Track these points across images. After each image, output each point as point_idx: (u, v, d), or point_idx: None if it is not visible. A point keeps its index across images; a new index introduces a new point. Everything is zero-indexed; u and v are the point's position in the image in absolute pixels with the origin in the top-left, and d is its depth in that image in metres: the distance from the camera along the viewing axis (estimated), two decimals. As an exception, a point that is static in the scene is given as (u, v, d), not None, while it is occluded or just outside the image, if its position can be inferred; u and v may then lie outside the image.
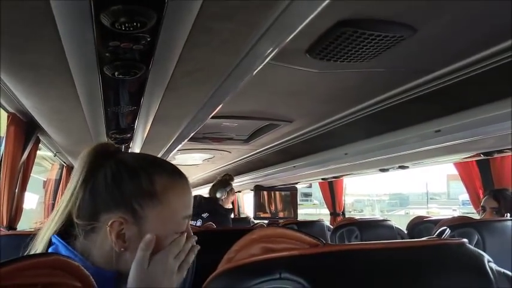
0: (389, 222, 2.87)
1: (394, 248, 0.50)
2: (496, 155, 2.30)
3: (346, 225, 2.77)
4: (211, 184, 3.44)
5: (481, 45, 1.57)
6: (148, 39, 1.16)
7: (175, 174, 0.90)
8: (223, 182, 3.39)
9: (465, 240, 0.55)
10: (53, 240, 0.87)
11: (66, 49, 1.29)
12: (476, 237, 1.66)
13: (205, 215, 3.02)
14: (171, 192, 0.86)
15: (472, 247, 0.54)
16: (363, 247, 0.48)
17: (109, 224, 0.81)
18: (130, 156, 0.92)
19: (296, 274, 0.45)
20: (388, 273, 0.48)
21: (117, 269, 0.83)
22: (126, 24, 1.01)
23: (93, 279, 0.46)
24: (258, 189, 5.25)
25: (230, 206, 3.66)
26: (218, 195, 3.29)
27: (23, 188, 2.66)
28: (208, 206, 3.11)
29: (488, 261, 0.54)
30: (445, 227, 1.69)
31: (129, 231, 0.82)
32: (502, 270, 0.54)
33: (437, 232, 1.76)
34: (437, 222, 2.34)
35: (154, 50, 1.26)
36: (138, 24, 1.03)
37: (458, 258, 0.52)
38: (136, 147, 3.02)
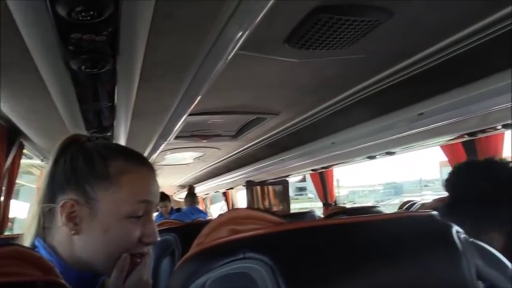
0: (378, 208, 2.88)
1: (360, 222, 0.49)
2: (479, 135, 2.31)
3: (337, 214, 2.78)
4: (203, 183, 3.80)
5: (458, 26, 1.57)
6: (110, 30, 1.15)
7: (134, 158, 0.89)
8: None
9: (434, 212, 0.55)
10: (36, 243, 0.86)
11: (29, 44, 1.27)
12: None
13: None
14: (125, 175, 0.85)
15: (440, 219, 0.54)
16: (327, 223, 0.48)
17: (60, 204, 0.82)
18: (94, 143, 0.91)
19: (259, 252, 0.44)
20: (355, 247, 0.48)
21: (76, 256, 0.83)
22: (83, 14, 0.99)
23: (57, 270, 0.46)
24: (250, 185, 5.25)
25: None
26: None
27: (9, 195, 2.64)
28: None
29: (457, 232, 0.54)
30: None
31: (81, 213, 0.83)
32: (471, 239, 0.54)
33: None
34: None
35: (118, 40, 1.25)
36: (95, 13, 1.01)
37: (426, 229, 0.52)
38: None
